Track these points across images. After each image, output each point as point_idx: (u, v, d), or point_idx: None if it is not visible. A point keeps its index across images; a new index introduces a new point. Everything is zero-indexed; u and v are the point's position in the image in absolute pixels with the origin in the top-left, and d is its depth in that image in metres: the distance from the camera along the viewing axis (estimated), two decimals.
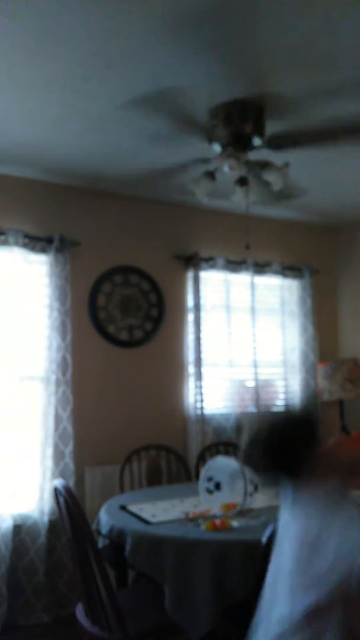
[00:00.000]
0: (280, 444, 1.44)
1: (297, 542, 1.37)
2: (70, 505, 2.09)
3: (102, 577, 2.03)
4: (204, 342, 4.08)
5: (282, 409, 1.48)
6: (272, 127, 2.87)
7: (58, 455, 3.47)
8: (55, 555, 3.43)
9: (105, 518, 2.55)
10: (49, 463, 3.43)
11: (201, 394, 4.01)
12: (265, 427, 1.47)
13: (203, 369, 4.04)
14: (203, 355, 4.06)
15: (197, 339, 4.05)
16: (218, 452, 3.67)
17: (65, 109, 2.77)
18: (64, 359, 3.54)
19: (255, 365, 4.26)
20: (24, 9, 2.04)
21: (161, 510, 2.56)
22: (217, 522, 2.25)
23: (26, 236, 3.50)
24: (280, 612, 1.33)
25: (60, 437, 3.49)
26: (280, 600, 1.35)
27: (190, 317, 4.11)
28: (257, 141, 2.77)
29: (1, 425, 3.34)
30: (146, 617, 2.25)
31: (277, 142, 2.90)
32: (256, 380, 4.26)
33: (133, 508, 2.62)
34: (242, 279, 4.30)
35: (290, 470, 1.42)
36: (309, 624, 1.27)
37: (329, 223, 4.82)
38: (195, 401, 3.99)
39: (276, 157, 2.98)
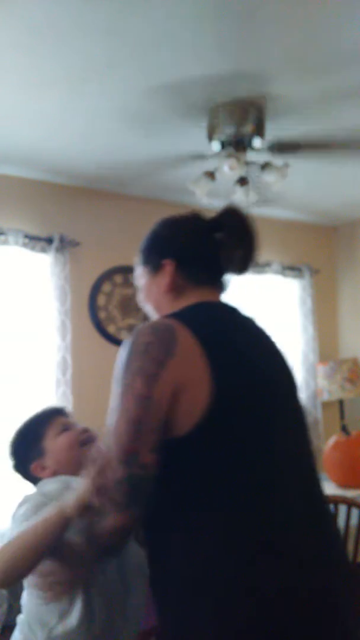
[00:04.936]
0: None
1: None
2: None
3: None
4: None
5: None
6: (273, 128, 2.87)
7: None
8: None
9: None
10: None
11: None
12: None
13: None
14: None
15: None
16: None
17: (65, 109, 2.77)
18: (64, 359, 3.54)
19: None
20: (24, 9, 2.04)
21: None
22: None
23: (26, 236, 3.50)
24: None
25: None
26: None
27: None
28: (257, 142, 2.78)
29: (1, 425, 3.33)
30: (146, 617, 2.25)
31: (279, 147, 2.90)
32: None
33: None
34: (242, 279, 4.28)
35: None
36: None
37: (329, 223, 4.82)
38: None
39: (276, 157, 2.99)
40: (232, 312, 1.31)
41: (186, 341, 1.11)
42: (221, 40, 2.25)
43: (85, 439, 1.60)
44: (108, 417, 1.14)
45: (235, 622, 1.02)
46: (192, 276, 1.32)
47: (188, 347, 1.10)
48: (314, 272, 4.63)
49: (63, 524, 1.23)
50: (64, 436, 1.60)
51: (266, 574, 1.04)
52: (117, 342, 3.84)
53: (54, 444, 1.59)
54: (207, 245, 1.33)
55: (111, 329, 3.84)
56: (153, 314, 1.41)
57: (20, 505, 1.50)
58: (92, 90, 2.60)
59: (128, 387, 1.12)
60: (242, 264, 1.38)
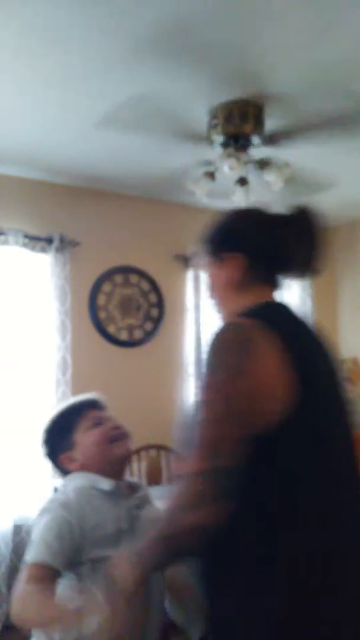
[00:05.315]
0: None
1: None
2: None
3: None
4: (204, 342, 4.08)
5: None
6: (273, 129, 2.87)
7: None
8: None
9: None
10: (49, 463, 3.42)
11: None
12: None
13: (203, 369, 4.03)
14: (203, 356, 4.05)
15: (197, 339, 4.05)
16: None
17: (65, 109, 2.77)
18: (64, 359, 3.54)
19: None
20: (24, 10, 2.04)
21: None
22: None
23: (26, 236, 3.50)
24: None
25: None
26: None
27: (190, 317, 4.11)
28: (256, 141, 2.78)
29: (1, 425, 3.34)
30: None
31: (272, 138, 2.90)
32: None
33: None
34: None
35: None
36: None
37: (329, 223, 4.82)
38: (196, 401, 3.99)
39: (278, 153, 2.97)
40: (295, 312, 1.30)
41: (267, 340, 1.12)
42: (221, 40, 2.25)
43: (116, 436, 1.58)
44: (189, 413, 1.17)
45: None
46: (260, 273, 1.30)
47: (269, 346, 1.11)
48: (314, 272, 4.62)
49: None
50: (94, 431, 1.58)
51: (326, 610, 1.06)
52: (117, 342, 3.84)
53: (85, 437, 1.57)
54: (277, 243, 1.30)
55: (111, 329, 3.84)
56: (218, 307, 1.39)
57: (42, 514, 1.44)
58: (92, 90, 2.60)
59: (213, 383, 1.15)
60: (306, 265, 1.37)
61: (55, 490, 1.82)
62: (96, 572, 1.36)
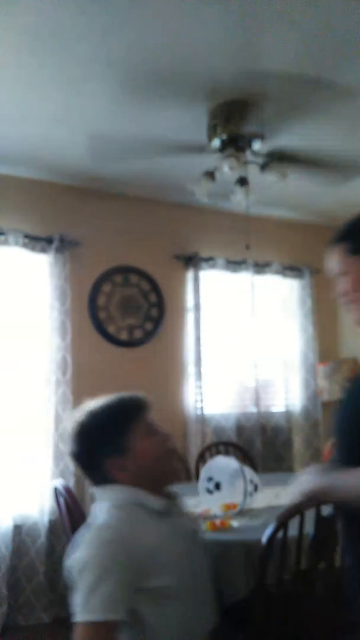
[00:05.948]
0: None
1: None
2: (71, 506, 2.09)
3: None
4: (204, 342, 4.08)
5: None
6: (273, 129, 2.87)
7: (58, 455, 3.47)
8: (55, 555, 3.43)
9: None
10: (49, 463, 3.42)
11: (201, 394, 4.00)
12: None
13: (203, 369, 4.04)
14: (203, 355, 4.05)
15: (197, 339, 4.05)
16: (218, 452, 3.66)
17: (65, 108, 2.77)
18: (64, 359, 3.54)
19: (255, 365, 4.26)
20: (24, 11, 2.04)
21: None
22: (217, 522, 2.24)
23: (26, 236, 3.50)
24: None
25: (60, 437, 3.49)
26: None
27: (190, 317, 4.11)
28: (257, 143, 2.78)
29: (1, 425, 3.34)
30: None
31: (278, 157, 2.89)
32: (256, 380, 4.26)
33: None
34: (242, 279, 4.30)
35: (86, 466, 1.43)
36: None
37: (329, 223, 4.82)
38: (195, 401, 3.99)
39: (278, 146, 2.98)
40: None
41: None
42: (221, 40, 2.25)
43: (173, 450, 1.43)
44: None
45: None
46: None
47: None
48: (314, 272, 4.63)
49: None
50: (153, 441, 1.39)
51: None
52: (117, 342, 3.84)
53: (141, 446, 1.37)
54: None
55: (111, 329, 3.84)
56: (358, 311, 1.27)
57: (81, 571, 1.22)
58: (92, 90, 2.60)
59: None
60: None
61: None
62: (158, 604, 1.24)
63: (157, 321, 4.01)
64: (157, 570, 1.26)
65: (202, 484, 2.65)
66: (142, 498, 1.34)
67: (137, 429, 1.38)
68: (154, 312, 4.01)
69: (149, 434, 1.39)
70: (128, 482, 1.35)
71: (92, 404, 1.46)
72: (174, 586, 1.27)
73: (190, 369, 4.05)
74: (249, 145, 2.78)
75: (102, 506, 1.35)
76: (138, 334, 3.94)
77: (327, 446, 3.08)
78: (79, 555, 1.23)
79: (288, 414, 4.39)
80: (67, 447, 1.46)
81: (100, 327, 3.80)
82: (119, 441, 1.36)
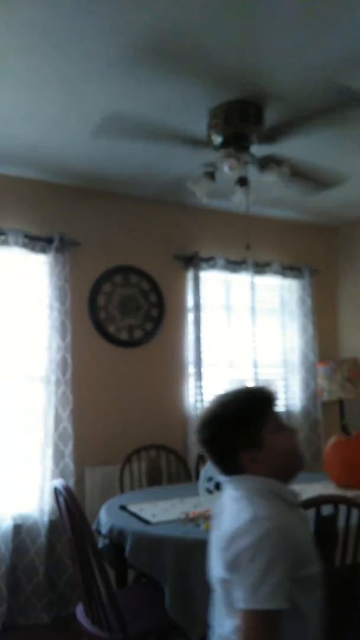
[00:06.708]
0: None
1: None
2: (70, 505, 2.09)
3: (102, 577, 2.03)
4: (204, 342, 4.08)
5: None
6: (273, 129, 2.87)
7: (58, 455, 3.47)
8: (55, 555, 3.43)
9: (105, 518, 2.54)
10: (49, 463, 3.42)
11: (201, 394, 4.01)
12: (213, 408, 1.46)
13: (203, 369, 4.04)
14: (203, 355, 4.05)
15: (197, 339, 4.05)
16: None
17: (65, 109, 2.77)
18: (64, 359, 3.54)
19: (255, 365, 4.26)
20: (24, 10, 2.04)
21: (161, 511, 2.56)
22: None
23: (26, 236, 3.50)
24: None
25: (60, 437, 3.49)
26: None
27: (190, 317, 4.11)
28: (256, 140, 2.78)
29: (1, 425, 3.34)
30: (146, 617, 2.25)
31: (272, 137, 2.89)
32: (256, 380, 4.26)
33: (133, 508, 2.62)
34: (242, 279, 4.30)
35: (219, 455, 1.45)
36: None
37: (329, 223, 4.82)
38: (195, 401, 3.99)
39: (279, 150, 2.97)
40: None
41: None
42: (221, 40, 2.25)
43: (299, 444, 1.44)
44: None
45: None
46: None
47: None
48: (314, 272, 4.63)
49: None
50: (286, 437, 1.41)
51: None
52: (117, 342, 3.84)
53: (274, 439, 1.39)
54: None
55: (111, 329, 3.84)
56: None
57: (249, 562, 1.21)
58: (92, 90, 2.60)
59: None
60: None
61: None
62: (308, 592, 1.26)
63: (157, 321, 4.01)
64: (308, 558, 1.29)
65: (202, 484, 2.65)
66: (281, 489, 1.37)
67: (270, 422, 1.40)
68: (154, 312, 4.01)
69: (279, 428, 1.41)
70: (262, 473, 1.38)
71: (223, 394, 1.48)
72: (318, 574, 1.32)
73: (190, 369, 4.06)
74: (249, 144, 2.78)
75: (237, 495, 1.37)
76: (138, 334, 3.94)
77: (329, 446, 3.07)
78: (244, 544, 1.24)
79: (288, 414, 4.40)
80: (197, 434, 1.48)
81: (100, 327, 3.80)
82: (256, 434, 1.38)
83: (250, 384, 4.25)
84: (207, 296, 4.18)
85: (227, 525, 1.33)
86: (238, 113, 2.70)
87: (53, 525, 3.39)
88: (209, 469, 2.66)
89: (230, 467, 1.42)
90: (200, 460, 3.60)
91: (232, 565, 1.26)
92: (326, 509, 2.02)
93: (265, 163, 2.87)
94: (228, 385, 4.18)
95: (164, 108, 2.75)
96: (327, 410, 4.53)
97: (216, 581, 1.39)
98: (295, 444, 1.43)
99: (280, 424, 1.42)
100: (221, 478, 1.47)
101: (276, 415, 1.42)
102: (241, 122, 2.71)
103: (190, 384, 4.04)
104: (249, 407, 1.42)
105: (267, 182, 2.91)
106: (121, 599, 2.37)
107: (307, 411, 4.45)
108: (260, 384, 1.47)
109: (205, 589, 2.05)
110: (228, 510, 1.38)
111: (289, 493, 1.39)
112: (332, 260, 4.88)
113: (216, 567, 1.37)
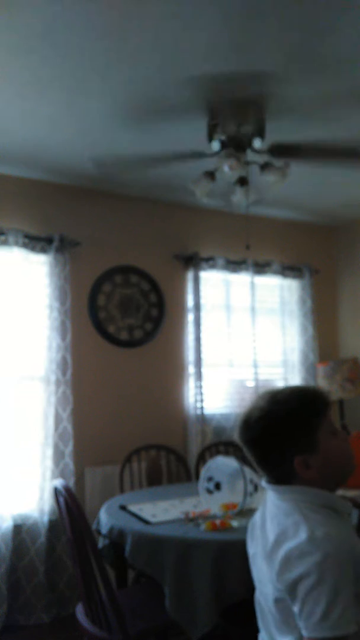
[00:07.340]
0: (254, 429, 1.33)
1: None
2: (70, 505, 2.09)
3: (102, 577, 2.03)
4: (204, 342, 4.08)
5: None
6: (273, 130, 2.87)
7: (58, 455, 3.47)
8: (55, 555, 3.43)
9: (105, 518, 2.54)
10: (49, 463, 3.42)
11: (201, 394, 4.01)
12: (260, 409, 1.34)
13: (203, 369, 4.04)
14: (203, 355, 4.05)
15: (197, 339, 4.05)
16: (218, 452, 3.67)
17: (65, 109, 2.77)
18: (64, 359, 3.54)
19: (255, 365, 4.26)
20: (24, 11, 2.04)
21: (161, 510, 2.56)
22: (217, 522, 2.25)
23: (26, 236, 3.50)
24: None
25: (60, 437, 3.49)
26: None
27: (190, 317, 4.11)
28: (257, 142, 2.77)
29: (1, 425, 3.34)
30: (146, 617, 2.25)
31: (279, 151, 2.89)
32: (256, 380, 4.26)
33: (133, 508, 2.62)
34: (242, 279, 4.30)
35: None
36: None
37: (329, 223, 4.82)
38: (195, 401, 3.99)
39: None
40: None
41: None
42: (221, 40, 2.25)
43: (352, 450, 1.35)
44: None
45: None
46: None
47: None
48: (314, 272, 4.63)
49: None
50: (340, 440, 1.32)
51: None
52: (117, 342, 3.84)
53: (330, 444, 1.30)
54: None
55: (111, 329, 3.84)
56: None
57: (315, 586, 1.14)
58: (92, 90, 2.60)
59: None
60: None
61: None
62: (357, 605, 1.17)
63: (157, 321, 4.01)
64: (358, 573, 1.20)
65: (202, 484, 2.65)
66: (336, 502, 1.29)
67: (325, 425, 1.30)
68: (154, 312, 4.01)
69: (333, 433, 1.32)
70: (314, 480, 1.28)
71: (274, 390, 1.35)
72: None
73: (190, 369, 4.06)
74: (249, 144, 2.78)
75: (286, 507, 1.28)
76: (138, 334, 3.94)
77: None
78: (304, 570, 1.16)
79: None
80: (239, 433, 1.34)
81: (100, 327, 3.80)
82: (310, 437, 1.28)
83: (251, 383, 4.25)
84: (207, 296, 4.18)
85: (277, 540, 1.24)
86: (238, 113, 2.70)
87: (53, 525, 3.40)
88: (209, 469, 2.66)
89: (277, 471, 1.31)
90: (201, 460, 3.61)
91: (292, 590, 1.18)
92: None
93: (267, 161, 2.86)
94: (227, 385, 4.18)
95: (164, 101, 2.75)
96: None
97: (269, 599, 1.29)
98: (350, 450, 1.34)
99: (334, 428, 1.32)
100: (264, 484, 1.36)
101: (330, 420, 1.33)
102: (241, 122, 2.71)
103: (190, 384, 4.04)
104: (307, 406, 1.30)
105: (269, 181, 2.91)
106: (121, 599, 2.37)
107: None
108: (314, 386, 1.34)
109: (205, 589, 2.06)
110: (275, 523, 1.29)
111: (341, 504, 1.29)
112: (332, 260, 4.88)
113: (269, 586, 1.28)
